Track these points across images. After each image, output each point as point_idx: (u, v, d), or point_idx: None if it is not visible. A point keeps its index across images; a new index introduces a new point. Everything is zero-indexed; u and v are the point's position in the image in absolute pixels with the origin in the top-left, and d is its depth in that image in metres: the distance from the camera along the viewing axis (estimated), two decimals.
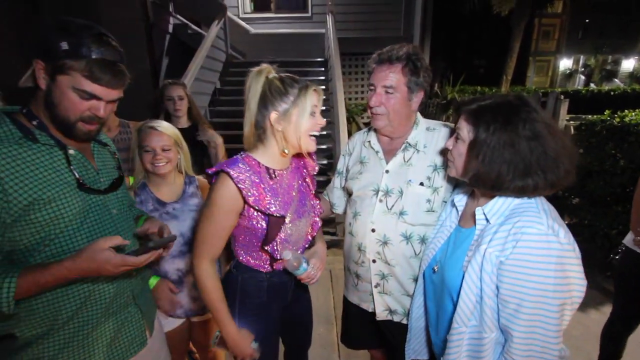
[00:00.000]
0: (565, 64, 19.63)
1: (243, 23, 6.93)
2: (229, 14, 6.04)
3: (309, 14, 7.29)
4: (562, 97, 3.62)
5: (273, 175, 1.07)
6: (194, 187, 1.46)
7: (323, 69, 6.04)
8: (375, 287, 1.27)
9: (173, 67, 5.14)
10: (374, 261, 1.25)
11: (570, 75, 19.33)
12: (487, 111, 0.86)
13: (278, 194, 1.06)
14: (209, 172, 1.05)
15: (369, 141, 1.31)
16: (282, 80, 1.02)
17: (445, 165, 1.15)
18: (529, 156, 0.82)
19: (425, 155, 1.21)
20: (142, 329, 1.06)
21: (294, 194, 1.12)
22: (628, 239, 1.72)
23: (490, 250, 0.84)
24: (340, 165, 1.45)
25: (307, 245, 1.22)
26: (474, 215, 0.93)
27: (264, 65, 1.04)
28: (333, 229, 3.52)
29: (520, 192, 0.86)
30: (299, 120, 1.01)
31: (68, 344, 0.90)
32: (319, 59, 6.26)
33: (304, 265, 1.09)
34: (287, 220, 1.07)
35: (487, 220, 0.90)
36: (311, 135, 1.06)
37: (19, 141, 0.83)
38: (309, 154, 1.23)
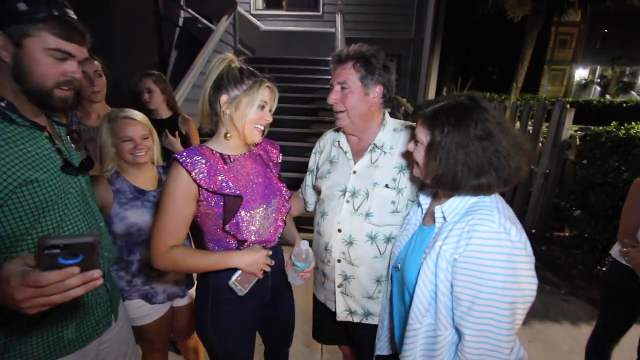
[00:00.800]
0: (581, 74, 19.25)
1: (253, 19, 6.97)
2: (239, 9, 6.08)
3: (320, 13, 7.30)
4: (569, 106, 3.55)
5: (228, 160, 1.09)
6: None
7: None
8: (339, 287, 1.29)
9: (181, 60, 5.19)
10: (338, 261, 1.26)
11: (585, 85, 18.95)
12: (441, 114, 0.89)
13: (233, 177, 1.07)
14: (164, 165, 1.07)
15: (339, 141, 1.32)
16: (241, 70, 1.06)
17: (410, 166, 1.16)
18: (481, 156, 0.85)
19: (392, 157, 1.22)
20: (108, 310, 1.07)
21: (254, 177, 1.13)
22: (615, 250, 1.70)
23: (445, 248, 0.86)
24: (312, 163, 1.46)
25: (280, 231, 1.22)
26: (434, 214, 0.95)
27: (230, 55, 1.08)
28: None
29: (476, 191, 0.88)
30: (246, 109, 1.05)
31: (41, 321, 0.89)
32: (328, 58, 6.26)
33: (310, 259, 1.12)
34: (251, 204, 1.08)
35: (445, 218, 0.92)
36: (258, 129, 1.09)
37: None
38: (272, 144, 1.27)
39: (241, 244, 1.09)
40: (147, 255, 1.37)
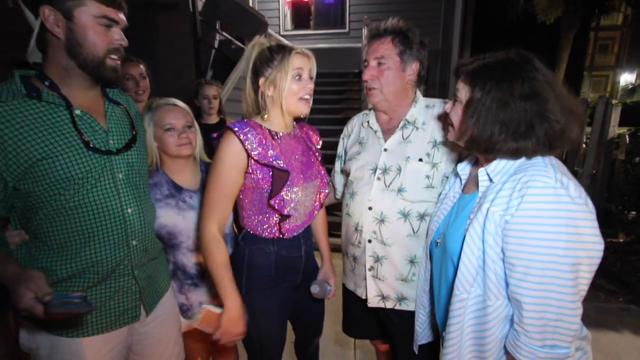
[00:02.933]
0: (627, 78, 18.00)
1: (283, 39, 7.29)
2: (270, 31, 6.42)
3: (347, 30, 7.50)
4: (614, 102, 3.33)
5: (276, 136, 1.11)
6: None
7: (357, 80, 6.14)
8: (369, 270, 1.24)
9: (216, 78, 5.50)
10: (369, 241, 1.22)
11: (633, 90, 17.64)
12: (484, 70, 0.85)
13: (280, 152, 1.09)
14: (214, 136, 1.09)
15: (368, 121, 1.30)
16: (270, 49, 1.07)
17: (445, 140, 1.13)
18: (522, 116, 0.79)
19: (425, 132, 1.19)
20: (136, 302, 1.02)
21: (298, 157, 1.15)
22: None
23: (494, 209, 0.80)
24: (340, 149, 1.45)
25: (316, 213, 1.23)
26: (477, 179, 0.90)
27: (260, 39, 1.11)
28: None
29: (513, 154, 0.82)
30: (282, 82, 1.05)
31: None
32: (355, 71, 6.38)
33: (328, 288, 1.25)
34: (295, 182, 1.09)
35: (491, 180, 0.86)
36: (303, 99, 1.08)
37: (23, 98, 0.82)
38: (313, 130, 1.27)
39: (284, 219, 1.11)
40: (180, 260, 1.28)
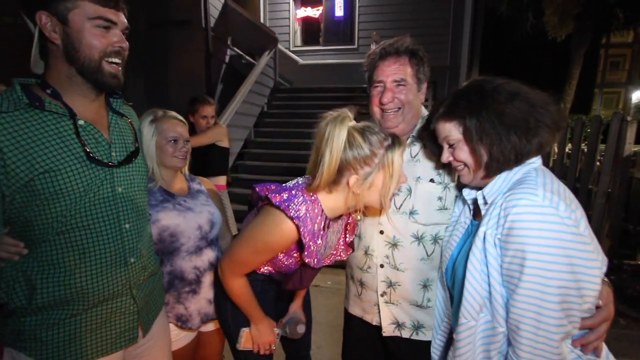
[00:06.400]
0: (639, 95, 17.81)
1: (292, 55, 7.44)
2: (279, 46, 6.55)
3: (355, 46, 7.61)
4: (628, 118, 3.26)
5: (327, 228, 1.01)
6: (197, 184, 1.40)
7: (365, 94, 6.17)
8: (382, 295, 1.17)
9: (226, 92, 5.61)
10: (381, 266, 1.16)
11: None
12: (458, 101, 0.84)
13: (324, 246, 1.03)
14: (257, 190, 1.02)
15: None
16: (364, 135, 0.89)
17: (455, 180, 1.09)
18: (526, 112, 0.80)
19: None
20: (134, 323, 0.97)
21: (330, 243, 1.09)
22: None
23: (489, 231, 0.79)
24: None
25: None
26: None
27: (344, 111, 0.90)
28: None
29: (540, 150, 0.82)
30: (385, 186, 0.91)
31: (51, 322, 0.85)
32: (364, 86, 6.41)
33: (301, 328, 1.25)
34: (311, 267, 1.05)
35: (486, 202, 0.85)
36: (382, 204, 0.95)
37: (25, 108, 0.79)
38: None
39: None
40: (178, 266, 1.26)
